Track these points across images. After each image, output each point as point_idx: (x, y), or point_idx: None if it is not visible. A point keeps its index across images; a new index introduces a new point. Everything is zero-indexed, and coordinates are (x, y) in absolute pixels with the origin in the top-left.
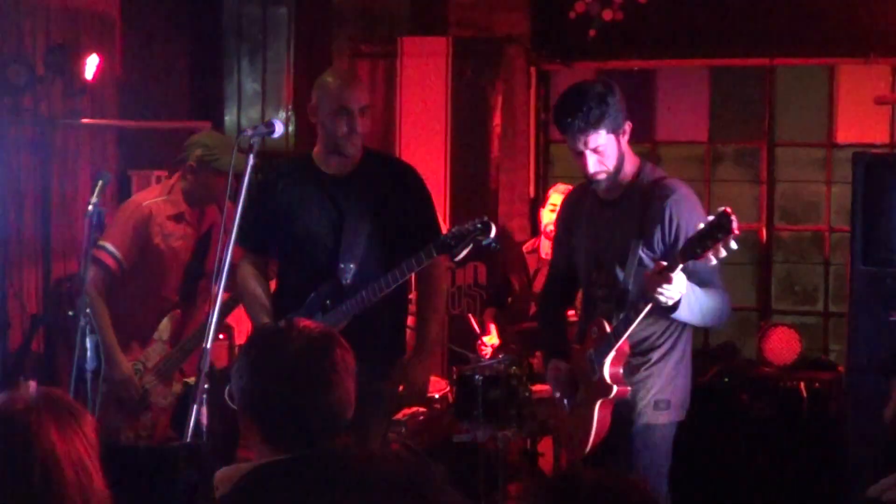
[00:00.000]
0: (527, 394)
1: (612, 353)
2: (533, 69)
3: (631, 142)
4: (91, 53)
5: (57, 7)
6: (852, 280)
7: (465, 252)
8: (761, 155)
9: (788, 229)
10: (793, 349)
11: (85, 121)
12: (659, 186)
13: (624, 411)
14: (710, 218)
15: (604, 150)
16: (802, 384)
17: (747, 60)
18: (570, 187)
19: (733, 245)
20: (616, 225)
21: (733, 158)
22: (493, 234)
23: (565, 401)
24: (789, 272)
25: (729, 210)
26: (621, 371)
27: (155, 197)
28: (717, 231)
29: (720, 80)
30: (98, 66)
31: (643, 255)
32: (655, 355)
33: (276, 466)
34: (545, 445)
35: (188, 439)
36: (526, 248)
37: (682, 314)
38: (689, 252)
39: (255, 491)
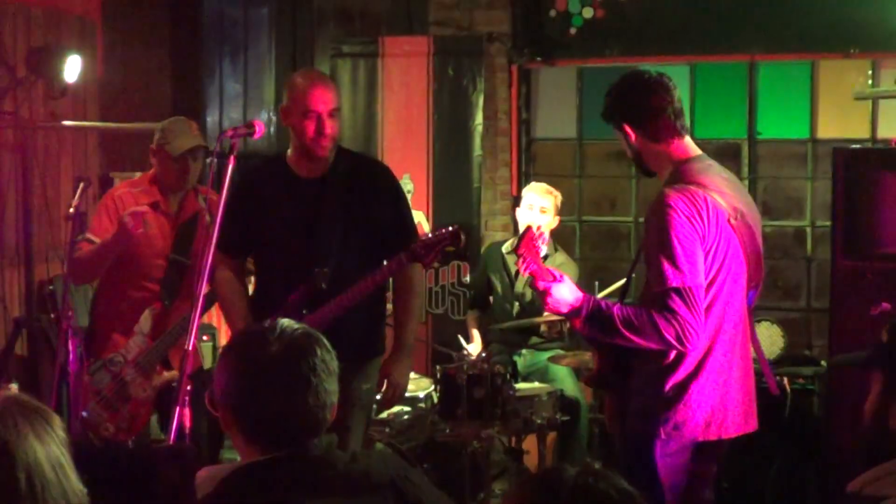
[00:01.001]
0: (511, 392)
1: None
2: (514, 67)
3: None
4: (72, 55)
5: (37, 9)
6: (833, 275)
7: (434, 261)
8: (743, 151)
9: (771, 225)
10: (776, 345)
11: (66, 123)
12: (659, 194)
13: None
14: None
15: (622, 141)
16: (786, 379)
17: (728, 57)
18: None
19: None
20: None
21: (715, 155)
22: (461, 243)
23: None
24: (772, 268)
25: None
26: None
27: (129, 187)
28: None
29: (701, 76)
30: (79, 68)
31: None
32: (653, 366)
33: (258, 467)
34: (530, 443)
35: (171, 441)
36: (506, 247)
37: (581, 328)
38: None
39: (238, 491)
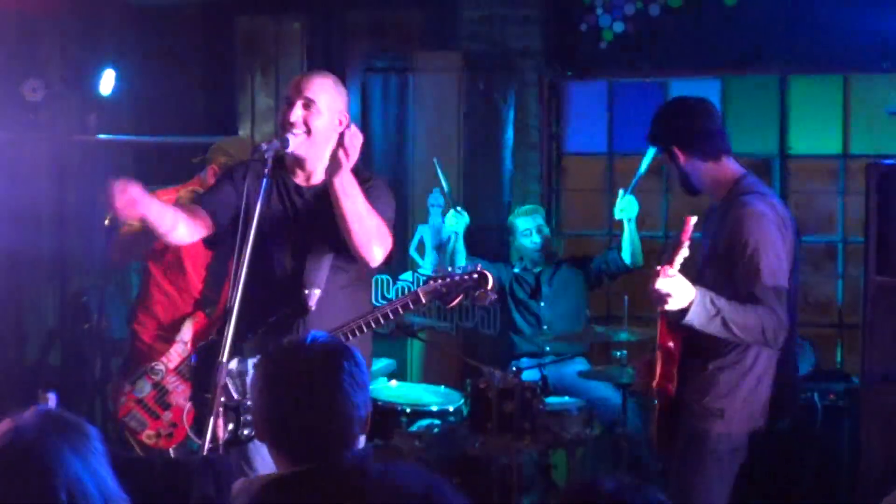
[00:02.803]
0: (541, 406)
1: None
2: (545, 82)
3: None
4: (107, 69)
5: (73, 23)
6: (866, 291)
7: (456, 301)
8: (774, 166)
9: (802, 241)
10: (807, 361)
11: (101, 136)
12: (742, 203)
13: (678, 414)
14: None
15: (668, 162)
16: (817, 396)
17: (759, 72)
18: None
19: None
20: (705, 234)
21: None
22: (489, 285)
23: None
24: (803, 284)
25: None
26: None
27: (172, 194)
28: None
29: (732, 91)
30: (114, 82)
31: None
32: (712, 364)
33: (291, 478)
34: (559, 458)
35: (205, 452)
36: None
37: (693, 322)
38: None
39: (273, 503)
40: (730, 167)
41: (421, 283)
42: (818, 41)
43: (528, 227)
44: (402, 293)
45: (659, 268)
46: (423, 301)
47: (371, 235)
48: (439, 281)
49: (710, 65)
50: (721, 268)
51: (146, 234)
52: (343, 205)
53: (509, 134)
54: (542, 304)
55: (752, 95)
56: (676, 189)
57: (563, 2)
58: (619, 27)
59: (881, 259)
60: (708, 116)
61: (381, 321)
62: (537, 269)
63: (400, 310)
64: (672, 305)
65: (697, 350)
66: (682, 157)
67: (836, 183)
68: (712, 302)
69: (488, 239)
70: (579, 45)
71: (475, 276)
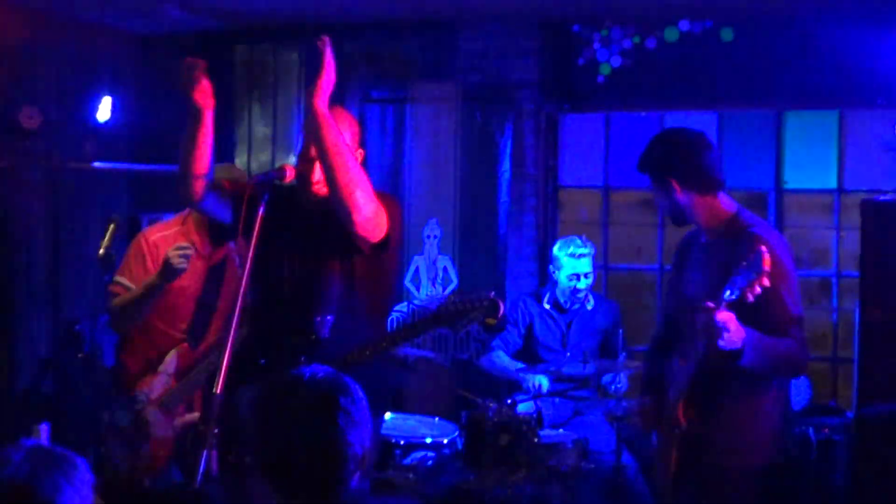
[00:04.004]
0: (536, 440)
1: (684, 394)
2: (542, 115)
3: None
4: (104, 97)
5: (70, 50)
6: (861, 325)
7: (464, 328)
8: (770, 201)
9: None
10: (802, 395)
11: (96, 164)
12: (753, 235)
13: (697, 450)
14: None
15: (660, 193)
16: (811, 430)
17: (755, 107)
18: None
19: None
20: (703, 267)
21: (741, 204)
22: (499, 314)
23: (654, 435)
24: None
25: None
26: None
27: (162, 230)
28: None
29: (728, 126)
30: (110, 110)
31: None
32: (731, 400)
33: None
34: (554, 491)
35: (197, 484)
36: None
37: (752, 365)
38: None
39: None
40: (725, 201)
41: (433, 305)
42: (814, 77)
43: (576, 273)
44: (397, 325)
45: (709, 303)
46: (441, 322)
47: (355, 184)
48: (457, 302)
49: (706, 99)
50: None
51: (148, 299)
52: (325, 135)
53: (506, 165)
54: (568, 353)
55: (748, 130)
56: (670, 223)
57: (560, 35)
58: (616, 61)
59: (876, 294)
60: (707, 150)
61: (395, 344)
62: (570, 309)
63: (416, 331)
64: (725, 342)
65: (716, 385)
66: (678, 190)
67: (830, 217)
68: (760, 340)
69: (483, 270)
70: (576, 79)
71: (486, 302)
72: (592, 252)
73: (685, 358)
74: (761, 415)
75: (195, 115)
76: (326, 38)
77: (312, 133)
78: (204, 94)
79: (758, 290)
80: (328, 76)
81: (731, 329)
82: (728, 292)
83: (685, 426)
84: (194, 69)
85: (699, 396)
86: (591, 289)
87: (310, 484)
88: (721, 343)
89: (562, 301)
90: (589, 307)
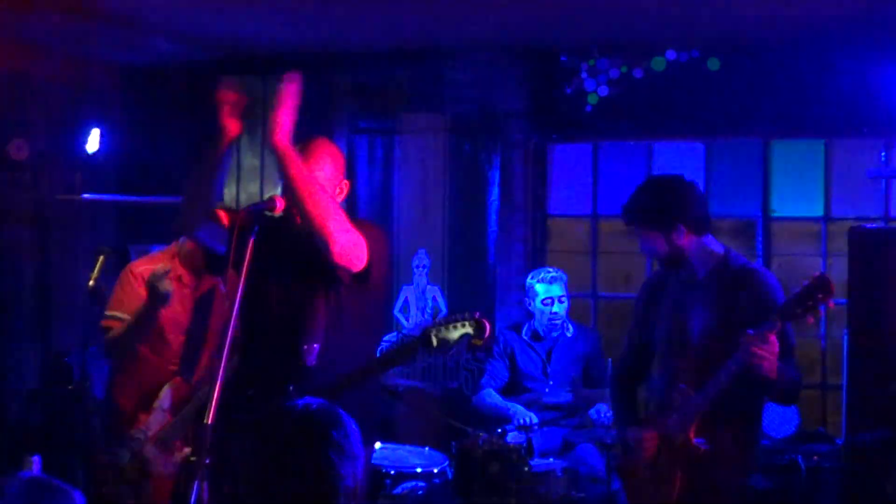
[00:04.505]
0: (526, 468)
1: (696, 417)
2: (530, 144)
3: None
4: (92, 128)
5: (59, 82)
6: (850, 352)
7: (452, 348)
8: (757, 229)
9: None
10: (791, 422)
11: (85, 196)
12: (753, 272)
13: (706, 468)
14: (806, 281)
15: (659, 240)
16: (801, 457)
17: (742, 137)
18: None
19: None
20: (706, 304)
21: (729, 233)
22: (486, 334)
23: (643, 466)
24: None
25: (825, 274)
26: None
27: (149, 263)
28: (817, 291)
29: (715, 155)
30: (99, 141)
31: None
32: (736, 420)
33: None
34: None
35: None
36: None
37: (779, 386)
38: (789, 312)
39: None
40: (711, 239)
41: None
42: (800, 106)
43: (549, 297)
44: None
45: (751, 331)
46: (427, 342)
47: (327, 216)
48: (442, 321)
49: (693, 128)
50: (734, 335)
51: (141, 327)
52: (289, 169)
53: (494, 195)
54: (550, 382)
55: (736, 159)
56: None
57: (548, 65)
58: (603, 90)
59: (864, 320)
60: (700, 193)
61: (384, 369)
62: (548, 337)
63: (404, 354)
64: (767, 369)
65: (721, 405)
66: (685, 234)
67: (818, 245)
68: (780, 368)
69: (472, 299)
70: (564, 108)
71: (471, 321)
72: (564, 278)
73: (692, 386)
74: (756, 433)
75: (217, 141)
76: (294, 75)
77: (278, 169)
78: (233, 120)
79: (821, 310)
80: (285, 112)
81: (770, 357)
82: (778, 318)
83: (703, 447)
84: (232, 91)
85: (709, 416)
86: (567, 316)
87: None
88: (764, 370)
89: (540, 331)
90: (568, 335)
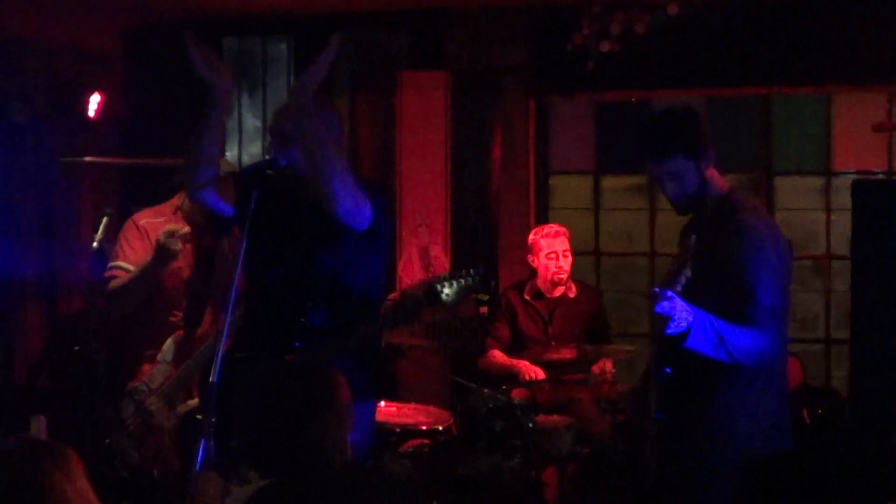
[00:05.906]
0: (531, 424)
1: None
2: (531, 101)
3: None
4: (93, 91)
5: (59, 45)
6: (854, 307)
7: (458, 303)
8: (760, 184)
9: None
10: (795, 377)
11: (87, 158)
12: (742, 218)
13: (684, 442)
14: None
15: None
16: (805, 412)
17: (743, 90)
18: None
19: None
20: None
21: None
22: (490, 289)
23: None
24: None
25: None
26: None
27: (152, 216)
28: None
29: (717, 109)
30: (100, 104)
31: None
32: (710, 385)
33: (280, 483)
34: (549, 476)
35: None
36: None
37: (695, 347)
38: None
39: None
40: (719, 176)
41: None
42: (801, 58)
43: (553, 251)
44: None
45: (656, 289)
46: (433, 296)
47: (334, 175)
48: (446, 275)
49: (694, 83)
50: (712, 285)
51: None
52: (305, 127)
53: (496, 154)
54: (552, 343)
55: (737, 113)
56: (661, 208)
57: (549, 21)
58: (605, 46)
59: (868, 274)
60: (704, 122)
61: (390, 327)
62: (550, 297)
63: (410, 310)
64: (673, 329)
65: (695, 371)
66: (705, 166)
67: (821, 199)
68: (713, 326)
69: (476, 258)
70: (565, 64)
71: (475, 275)
72: (568, 234)
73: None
74: (742, 399)
75: (209, 97)
76: (338, 38)
77: (292, 123)
78: (214, 72)
79: (675, 280)
80: (318, 73)
81: (674, 317)
82: (684, 278)
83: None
84: (191, 45)
85: (675, 384)
86: (569, 277)
87: (292, 471)
88: (664, 330)
89: (543, 289)
90: (571, 295)
